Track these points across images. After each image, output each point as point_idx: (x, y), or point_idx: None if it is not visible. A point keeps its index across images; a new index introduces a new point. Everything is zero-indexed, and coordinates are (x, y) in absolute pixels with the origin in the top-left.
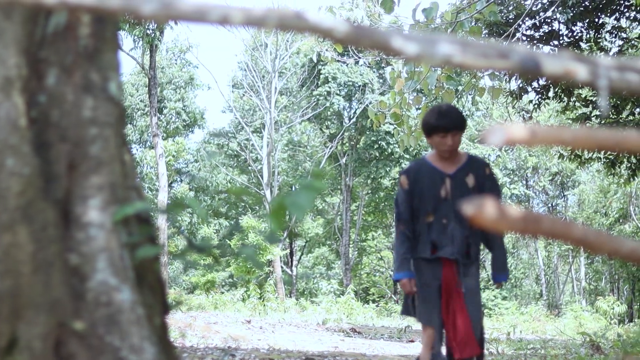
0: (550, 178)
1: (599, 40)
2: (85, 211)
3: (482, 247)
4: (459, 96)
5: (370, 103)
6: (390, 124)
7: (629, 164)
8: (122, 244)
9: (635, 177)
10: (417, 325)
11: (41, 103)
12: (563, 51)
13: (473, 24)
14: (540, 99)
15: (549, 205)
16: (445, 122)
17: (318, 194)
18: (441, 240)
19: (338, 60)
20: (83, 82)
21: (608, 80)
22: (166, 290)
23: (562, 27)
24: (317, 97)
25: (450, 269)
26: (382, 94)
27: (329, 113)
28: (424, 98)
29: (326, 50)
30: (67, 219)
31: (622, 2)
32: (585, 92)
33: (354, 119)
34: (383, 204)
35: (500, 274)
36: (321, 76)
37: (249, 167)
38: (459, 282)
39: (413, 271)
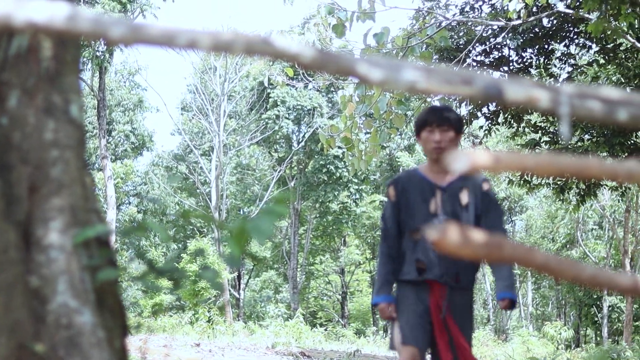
0: (498, 203)
1: (548, 67)
2: (46, 233)
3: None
4: (409, 121)
5: (319, 127)
6: (340, 147)
7: (578, 190)
8: (83, 267)
9: (584, 203)
10: (367, 349)
11: (2, 125)
12: (522, 78)
13: (424, 49)
14: (490, 125)
15: None
16: (434, 116)
17: (279, 219)
18: (429, 261)
19: (288, 84)
20: (45, 105)
21: (570, 108)
22: (126, 313)
23: (512, 53)
24: (266, 120)
25: (439, 293)
26: (331, 117)
27: (277, 137)
28: (375, 122)
29: (277, 74)
30: (28, 241)
31: (571, 28)
32: (534, 118)
33: (303, 143)
34: (331, 228)
35: (505, 290)
36: (270, 100)
37: (198, 190)
38: (449, 309)
39: (393, 295)
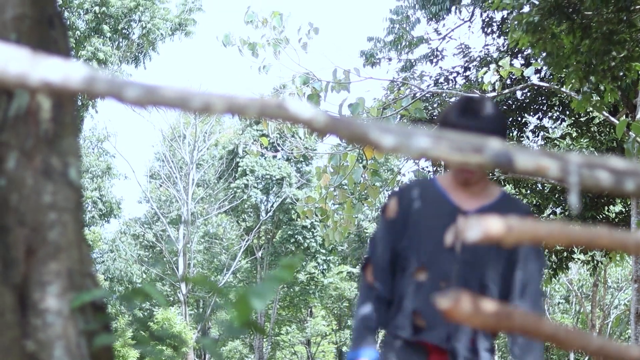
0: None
1: (521, 139)
2: (43, 297)
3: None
4: (384, 191)
5: (289, 197)
6: (316, 216)
7: (551, 263)
8: (79, 332)
9: (556, 276)
10: None
11: (0, 187)
12: (535, 149)
13: (398, 119)
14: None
15: None
16: (472, 123)
17: (282, 284)
18: (431, 314)
19: (263, 154)
20: (43, 167)
21: (579, 177)
22: None
23: None
24: (235, 189)
25: None
26: (299, 187)
27: (246, 206)
28: (349, 194)
29: (252, 143)
30: (24, 304)
31: (545, 101)
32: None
33: (271, 213)
34: (298, 299)
35: (526, 354)
36: (239, 169)
37: (165, 259)
38: None
39: (377, 350)
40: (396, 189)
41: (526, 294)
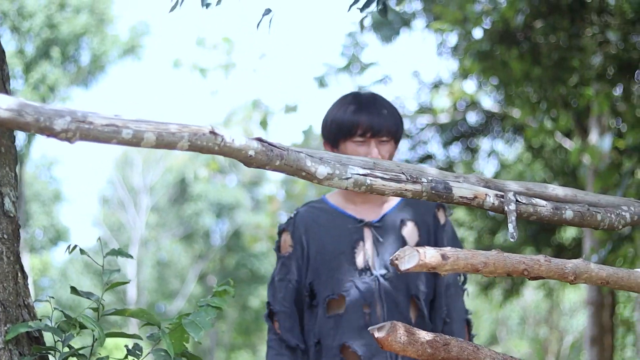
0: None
1: (473, 163)
2: None
3: None
4: None
5: (241, 224)
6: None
7: (503, 290)
8: None
9: (510, 301)
10: None
11: None
12: (470, 175)
13: None
14: None
15: None
16: (370, 119)
17: (217, 313)
18: (364, 345)
19: (214, 179)
20: None
21: (516, 206)
22: None
23: (438, 149)
24: (187, 215)
25: None
26: (252, 213)
27: (198, 232)
28: None
29: (203, 167)
30: None
31: (497, 126)
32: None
33: (224, 239)
34: (251, 325)
35: None
36: (191, 195)
37: (129, 281)
38: None
39: None
40: (283, 220)
41: (449, 296)
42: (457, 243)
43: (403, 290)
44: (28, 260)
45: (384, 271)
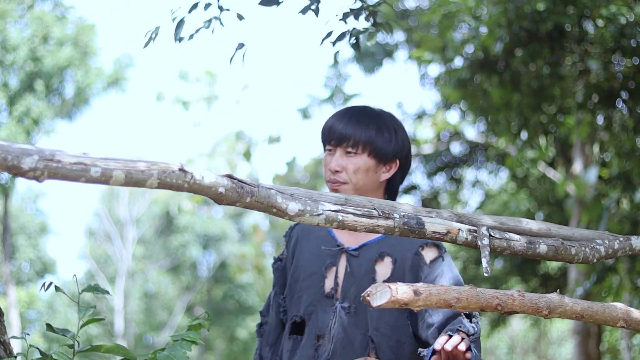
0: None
1: (458, 193)
2: None
3: None
4: None
5: (228, 255)
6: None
7: (490, 320)
8: None
9: (497, 330)
10: None
11: None
12: (444, 210)
13: None
14: None
15: None
16: (339, 126)
17: (192, 346)
18: None
19: (200, 210)
20: None
21: (489, 240)
22: None
23: (422, 179)
24: (174, 247)
25: None
26: (239, 244)
27: (185, 263)
28: None
29: (187, 200)
30: None
31: (480, 156)
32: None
33: (211, 270)
34: (240, 356)
35: None
36: (177, 226)
37: (104, 317)
38: None
39: None
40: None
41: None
42: (452, 280)
43: (362, 329)
44: (14, 293)
45: (347, 304)
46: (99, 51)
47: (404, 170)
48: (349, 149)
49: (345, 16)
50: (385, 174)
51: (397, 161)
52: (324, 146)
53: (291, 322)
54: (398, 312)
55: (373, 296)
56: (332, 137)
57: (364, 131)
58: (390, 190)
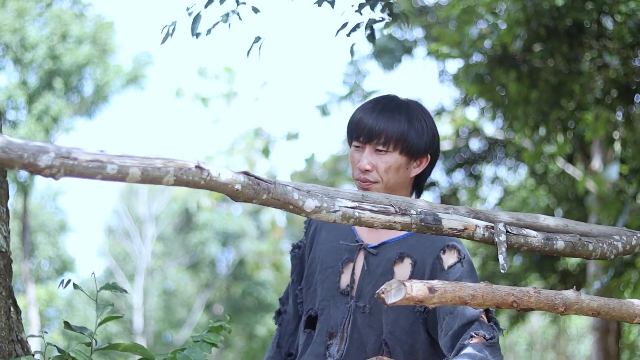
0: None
1: (477, 190)
2: None
3: None
4: None
5: (247, 252)
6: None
7: (509, 316)
8: None
9: (515, 328)
10: None
11: None
12: (460, 207)
13: None
14: None
15: None
16: (368, 121)
17: (212, 348)
18: None
19: (219, 207)
20: None
21: (506, 237)
22: None
23: (441, 176)
24: (193, 244)
25: None
26: (258, 241)
27: (204, 261)
28: None
29: (206, 197)
30: None
31: (500, 152)
32: None
33: (230, 267)
34: (258, 353)
35: None
36: (196, 223)
37: (123, 315)
38: None
39: None
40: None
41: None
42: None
43: (376, 331)
44: (34, 291)
45: (362, 303)
46: (117, 49)
47: (433, 163)
48: (380, 147)
49: (360, 7)
50: (416, 169)
51: (428, 155)
52: (350, 141)
53: (307, 316)
54: (414, 317)
55: (388, 293)
56: (360, 132)
57: (396, 127)
58: (419, 185)
